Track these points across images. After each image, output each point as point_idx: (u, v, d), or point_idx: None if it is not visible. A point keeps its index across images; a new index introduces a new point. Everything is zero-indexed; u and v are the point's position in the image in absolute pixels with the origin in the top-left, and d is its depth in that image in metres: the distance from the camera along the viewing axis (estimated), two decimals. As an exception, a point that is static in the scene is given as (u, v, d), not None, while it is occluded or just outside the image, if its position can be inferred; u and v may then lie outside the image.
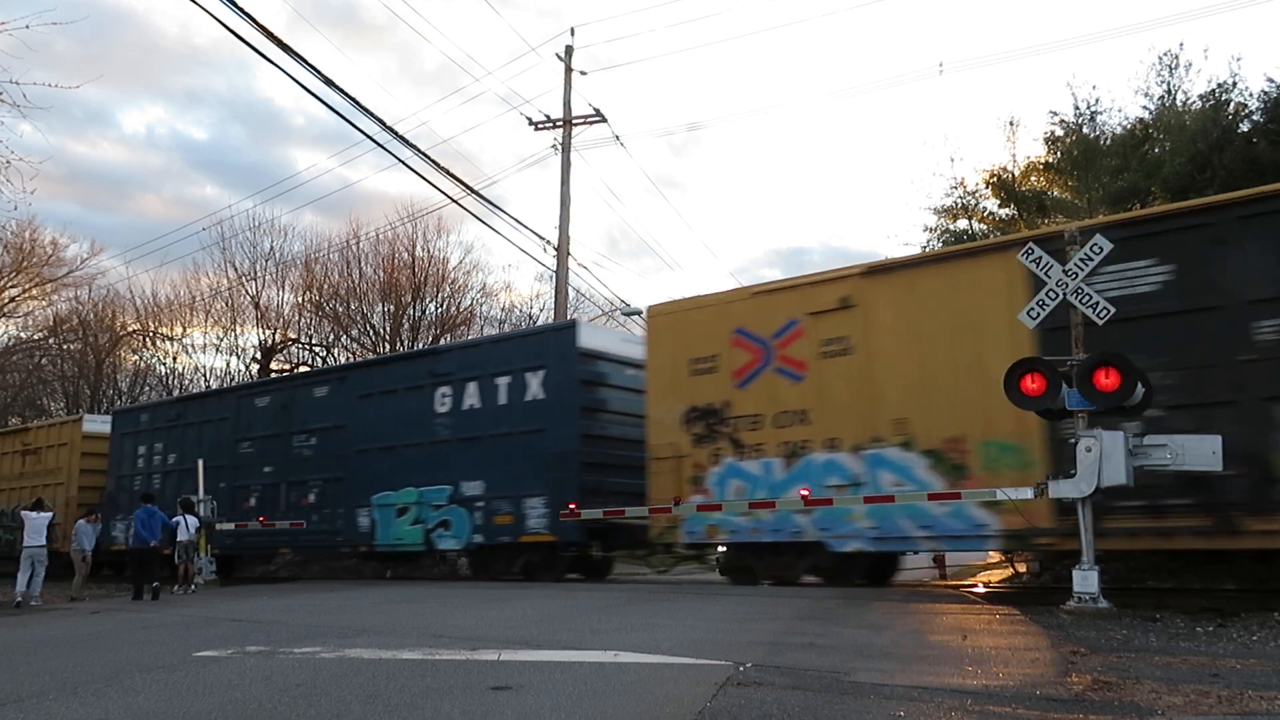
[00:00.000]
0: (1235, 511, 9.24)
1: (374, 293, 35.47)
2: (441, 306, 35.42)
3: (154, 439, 21.75)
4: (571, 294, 24.28)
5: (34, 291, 36.68)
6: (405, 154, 34.69)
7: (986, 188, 21.63)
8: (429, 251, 35.58)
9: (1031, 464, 10.37)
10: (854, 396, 11.69)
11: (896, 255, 12.57)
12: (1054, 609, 8.94)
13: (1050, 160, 20.55)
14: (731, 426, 12.86)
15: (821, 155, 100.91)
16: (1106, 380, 8.72)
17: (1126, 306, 9.50)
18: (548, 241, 22.94)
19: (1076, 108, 19.67)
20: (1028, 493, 9.65)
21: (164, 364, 39.92)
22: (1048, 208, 19.96)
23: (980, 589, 13.83)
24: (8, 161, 13.93)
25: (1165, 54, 18.55)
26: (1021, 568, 16.09)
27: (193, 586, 16.12)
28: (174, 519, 16.38)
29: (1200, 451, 8.61)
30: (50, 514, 16.20)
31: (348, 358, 33.37)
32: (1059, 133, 20.10)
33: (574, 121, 23.13)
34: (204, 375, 38.43)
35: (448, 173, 20.93)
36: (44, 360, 40.04)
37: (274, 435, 19.08)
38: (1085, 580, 8.84)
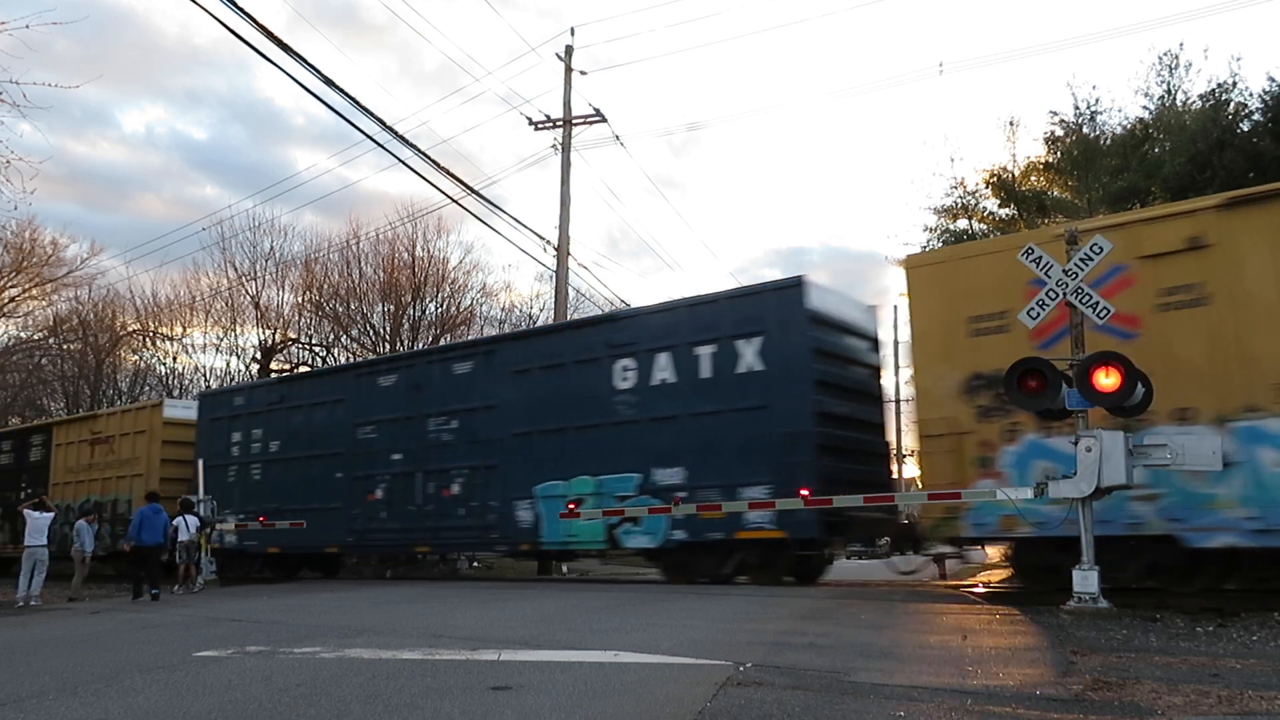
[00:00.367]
0: None
1: (374, 293, 35.50)
2: (441, 306, 35.45)
3: (251, 424, 19.57)
4: (571, 294, 24.28)
5: (34, 291, 36.70)
6: (405, 154, 34.62)
7: (986, 188, 21.64)
8: (429, 251, 35.61)
9: None
10: (1214, 356, 9.63)
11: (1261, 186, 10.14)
12: (1054, 609, 8.94)
13: (1050, 160, 20.56)
14: None
15: (821, 155, 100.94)
16: (1106, 380, 8.72)
17: None
18: (548, 241, 22.96)
19: (1076, 108, 19.69)
20: (1027, 492, 9.64)
21: (164, 364, 39.97)
22: (1048, 208, 19.96)
23: (980, 589, 13.82)
24: (8, 161, 13.92)
25: (1165, 54, 18.56)
26: None
27: (196, 587, 16.10)
28: (174, 519, 16.37)
29: (1200, 451, 8.62)
30: (51, 514, 16.18)
31: (348, 358, 33.35)
32: (1059, 133, 20.11)
33: (574, 121, 23.12)
34: (204, 375, 38.48)
35: (448, 173, 20.94)
36: (44, 360, 40.04)
37: (404, 418, 16.82)
38: (1085, 580, 8.84)
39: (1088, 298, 9.15)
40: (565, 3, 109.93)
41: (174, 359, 39.61)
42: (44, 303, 38.02)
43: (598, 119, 23.17)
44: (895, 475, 17.03)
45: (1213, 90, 17.06)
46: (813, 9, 54.43)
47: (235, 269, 36.60)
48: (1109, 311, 9.05)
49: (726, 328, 13.12)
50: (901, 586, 13.04)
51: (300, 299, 36.32)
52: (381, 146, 25.21)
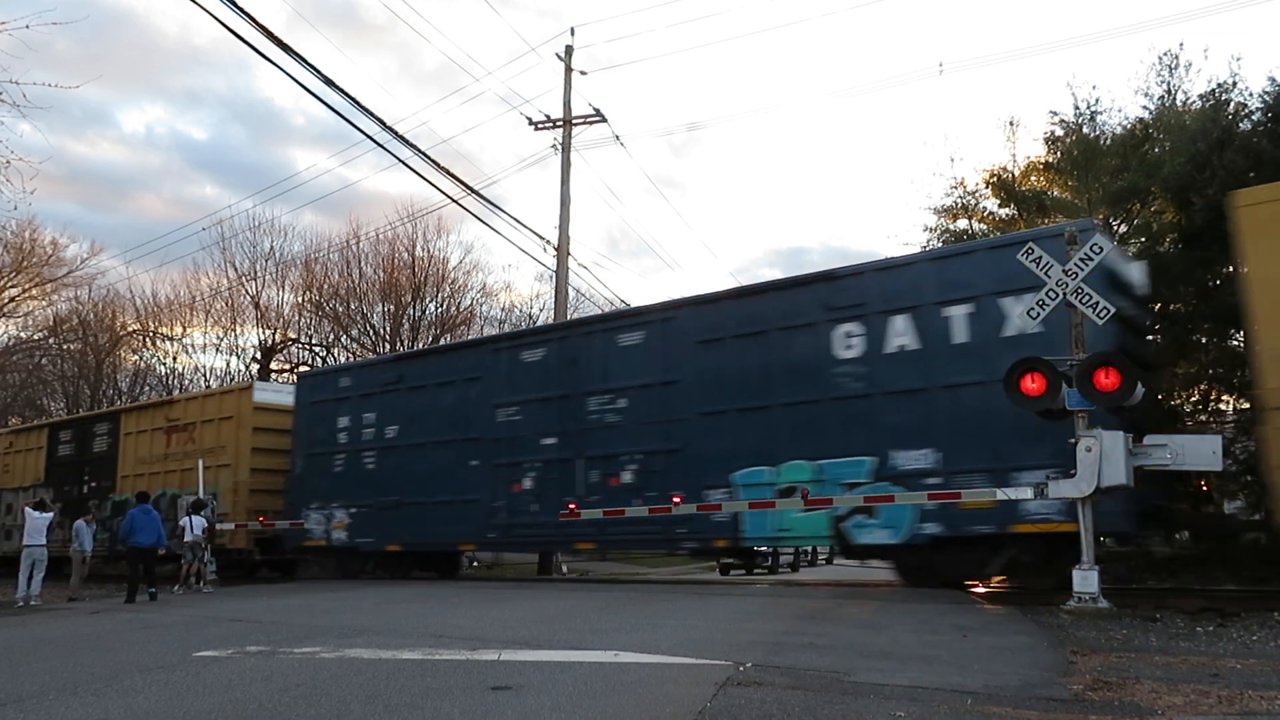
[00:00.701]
0: None
1: (374, 293, 35.51)
2: (441, 306, 35.46)
3: (362, 407, 17.55)
4: (571, 294, 24.29)
5: (34, 291, 36.70)
6: (405, 154, 34.68)
7: (986, 188, 21.62)
8: (429, 251, 35.63)
9: None
10: None
11: None
12: (1054, 609, 8.95)
13: (1050, 160, 20.54)
14: None
15: (821, 155, 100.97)
16: (1106, 380, 8.73)
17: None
18: (548, 241, 22.96)
19: (1076, 108, 19.66)
20: (1027, 492, 9.64)
21: (164, 364, 39.97)
22: (1048, 208, 19.94)
23: (980, 589, 13.82)
24: (8, 161, 13.92)
25: (1165, 54, 18.53)
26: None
27: (203, 587, 16.09)
28: (180, 520, 16.49)
29: (1200, 451, 8.63)
30: (51, 514, 16.17)
31: (348, 357, 33.34)
32: (1059, 133, 20.09)
33: (574, 121, 23.13)
34: (204, 375, 38.48)
35: (448, 173, 20.94)
36: (44, 360, 40.05)
37: (557, 398, 14.88)
38: (1085, 580, 8.85)
39: (1088, 298, 9.16)
40: (565, 3, 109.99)
41: (174, 359, 39.64)
42: (44, 303, 38.07)
43: (598, 119, 23.18)
44: None
45: (1213, 90, 17.04)
46: (813, 9, 54.45)
47: (235, 269, 36.64)
48: (1109, 311, 9.06)
49: (985, 283, 11.16)
50: (901, 586, 13.03)
51: (300, 299, 36.36)
52: (381, 146, 25.24)
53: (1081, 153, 18.89)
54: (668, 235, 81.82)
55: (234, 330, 37.24)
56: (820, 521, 12.04)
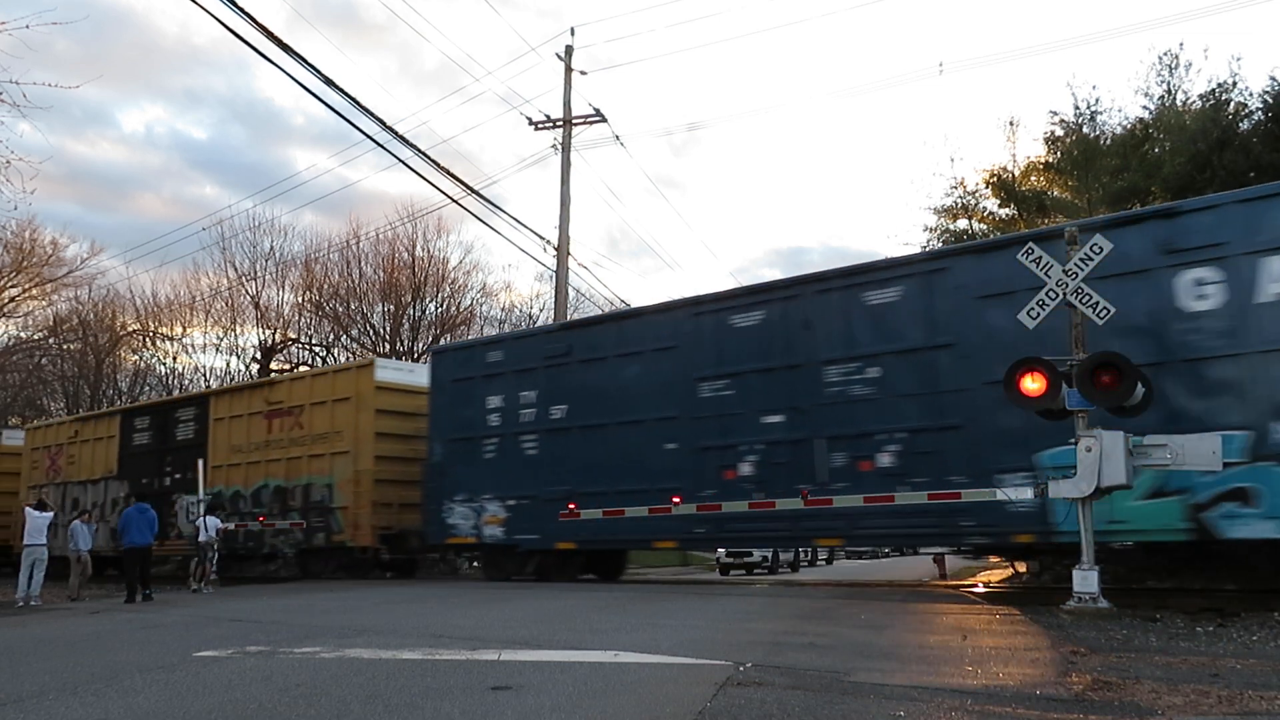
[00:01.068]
0: None
1: (374, 293, 35.54)
2: (441, 306, 35.50)
3: (519, 384, 15.45)
4: (571, 294, 24.29)
5: (34, 291, 36.70)
6: (405, 154, 34.66)
7: (986, 188, 21.65)
8: (429, 251, 35.66)
9: None
10: None
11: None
12: (1054, 609, 8.94)
13: (1050, 160, 20.57)
14: None
15: (821, 155, 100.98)
16: (1106, 380, 8.72)
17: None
18: (548, 241, 22.96)
19: (1076, 108, 19.70)
20: (1027, 492, 9.63)
21: (164, 364, 39.98)
22: (1048, 208, 19.97)
23: (980, 589, 13.82)
24: (8, 161, 13.93)
25: (1165, 54, 18.57)
26: (1021, 568, 16.08)
27: (204, 587, 16.11)
28: (195, 520, 16.72)
29: (1200, 451, 8.62)
30: (51, 514, 16.17)
31: (348, 357, 33.34)
32: (1059, 133, 20.13)
33: (574, 121, 23.13)
34: (204, 375, 38.50)
35: (448, 173, 20.93)
36: (44, 360, 40.04)
37: (783, 368, 12.71)
38: (1085, 580, 8.85)
39: (1087, 298, 9.15)
40: (565, 3, 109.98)
41: (174, 359, 39.67)
42: (44, 303, 38.06)
43: (598, 119, 23.18)
44: None
45: (1213, 90, 17.08)
46: (813, 9, 54.45)
47: (235, 269, 36.67)
48: (1109, 311, 9.05)
49: None
50: (901, 586, 13.04)
51: (300, 299, 36.39)
52: (381, 146, 25.24)
53: (1081, 153, 18.91)
54: (668, 235, 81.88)
55: (234, 330, 37.30)
56: (1171, 511, 9.87)
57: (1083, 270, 9.19)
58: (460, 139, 68.68)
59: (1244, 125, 15.68)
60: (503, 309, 37.94)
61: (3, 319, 37.14)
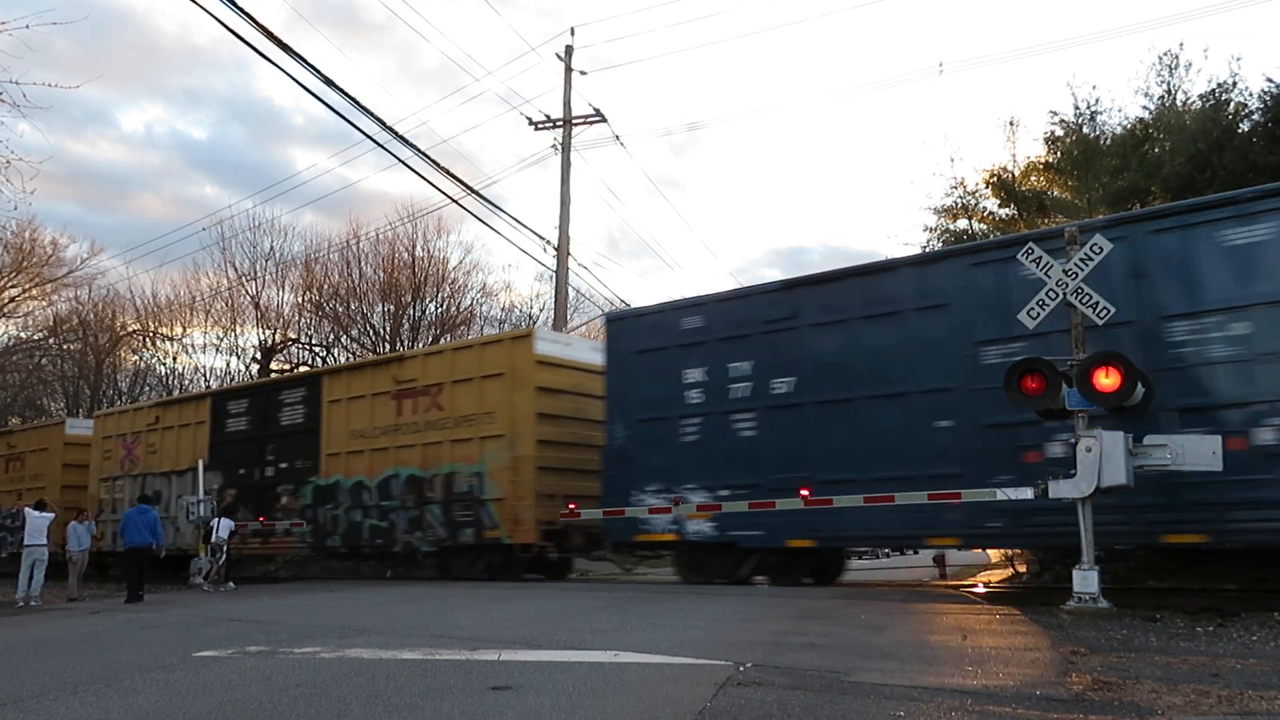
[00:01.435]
0: None
1: (374, 293, 35.55)
2: (441, 306, 35.50)
3: (729, 354, 13.08)
4: (571, 294, 24.30)
5: (34, 291, 36.69)
6: (405, 154, 34.66)
7: (986, 188, 21.65)
8: (429, 251, 35.66)
9: None
10: None
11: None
12: (1054, 609, 8.95)
13: (1050, 160, 20.57)
14: None
15: (821, 155, 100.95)
16: (1106, 380, 8.72)
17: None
18: (548, 241, 22.95)
19: (1076, 108, 19.70)
20: (1028, 492, 9.64)
21: (164, 364, 40.00)
22: (1048, 208, 19.97)
23: (980, 589, 13.82)
24: (8, 161, 13.93)
25: (1165, 54, 18.57)
26: (1021, 568, 16.08)
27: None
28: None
29: (1200, 451, 8.62)
30: (52, 515, 16.18)
31: (348, 357, 33.35)
32: (1059, 133, 20.12)
33: (574, 121, 23.13)
34: (204, 375, 38.51)
35: (448, 173, 20.93)
36: (44, 360, 40.05)
37: (1099, 326, 9.69)
38: (1085, 580, 8.85)
39: (1088, 297, 9.15)
40: (565, 3, 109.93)
41: (174, 359, 39.68)
42: (44, 303, 38.06)
43: (598, 119, 23.19)
44: None
45: (1213, 90, 17.09)
46: (813, 9, 54.47)
47: (235, 269, 36.68)
48: (1109, 311, 9.05)
49: None
50: (901, 586, 13.03)
51: (300, 299, 36.41)
52: (381, 146, 25.24)
53: (1081, 153, 18.91)
54: (668, 235, 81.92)
55: (234, 330, 37.31)
56: None
57: (1083, 270, 9.20)
58: (460, 139, 68.71)
59: (1244, 125, 15.69)
60: (503, 309, 37.98)
61: (3, 319, 37.17)
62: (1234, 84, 16.78)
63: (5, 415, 38.59)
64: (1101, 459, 8.69)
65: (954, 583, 16.63)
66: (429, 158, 20.27)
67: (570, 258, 22.64)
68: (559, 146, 23.14)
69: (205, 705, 5.15)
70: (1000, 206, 21.62)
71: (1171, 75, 18.44)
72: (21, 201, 16.70)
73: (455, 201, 24.15)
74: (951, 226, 22.12)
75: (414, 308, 34.83)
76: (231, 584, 16.19)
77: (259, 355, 34.95)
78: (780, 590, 12.05)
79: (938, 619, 8.64)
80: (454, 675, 5.79)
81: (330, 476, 17.60)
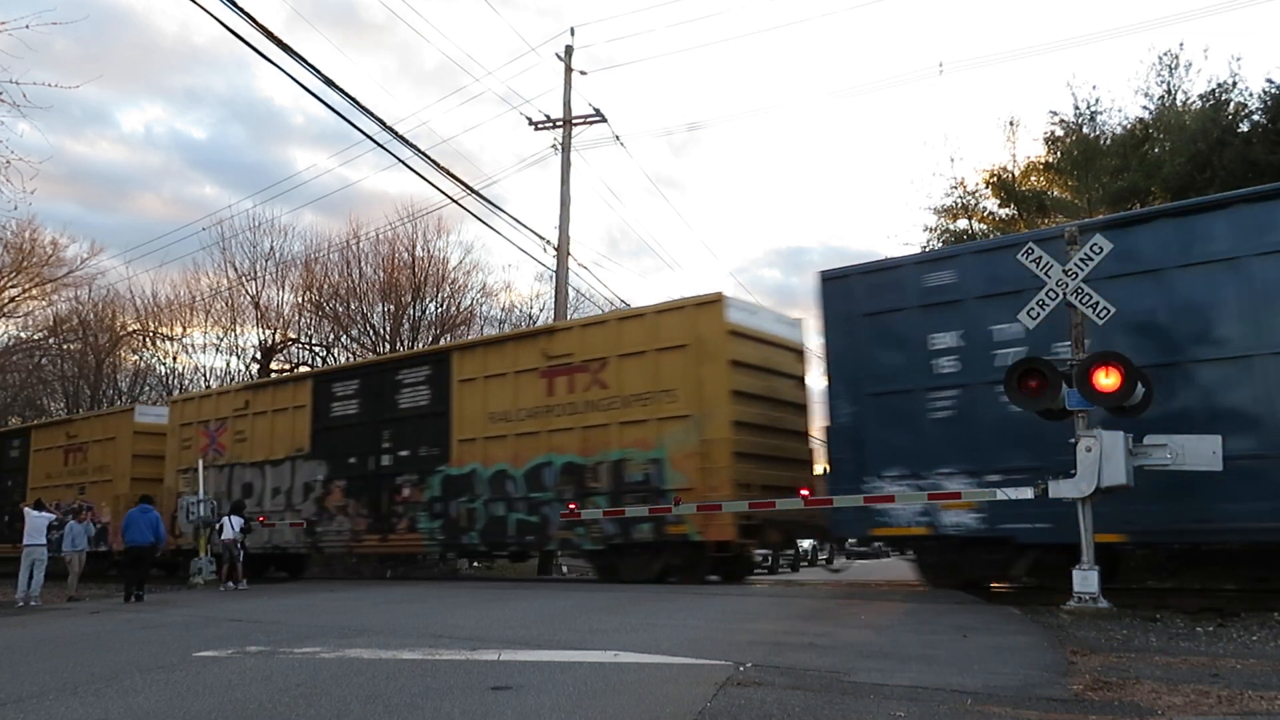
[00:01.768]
0: None
1: (374, 293, 35.52)
2: (441, 306, 35.46)
3: (990, 314, 11.04)
4: (571, 294, 24.28)
5: (34, 291, 36.65)
6: (405, 154, 34.68)
7: (986, 188, 21.66)
8: (429, 251, 35.62)
9: None
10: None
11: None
12: (1054, 609, 8.95)
13: (1050, 160, 20.58)
14: None
15: (821, 155, 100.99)
16: (1106, 380, 8.72)
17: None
18: (548, 241, 22.94)
19: (1076, 108, 19.71)
20: (1028, 493, 9.64)
21: (164, 364, 39.98)
22: (1048, 208, 19.98)
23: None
24: (8, 161, 13.93)
25: (1165, 54, 18.59)
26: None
27: (241, 585, 16.26)
28: (220, 519, 16.88)
29: (1200, 451, 8.62)
30: (52, 515, 16.17)
31: (348, 358, 33.36)
32: (1059, 133, 20.14)
33: (574, 121, 23.12)
34: (204, 375, 38.50)
35: (448, 173, 20.93)
36: (44, 360, 40.03)
37: None
38: (1085, 580, 8.85)
39: (1088, 298, 9.16)
40: (565, 3, 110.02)
41: (174, 359, 39.66)
42: (44, 303, 38.03)
43: (598, 119, 23.18)
44: None
45: (1213, 90, 17.10)
46: (813, 9, 54.47)
47: (235, 269, 36.65)
48: (1109, 311, 9.05)
49: None
50: (902, 586, 13.01)
51: (300, 299, 36.38)
52: (381, 146, 25.25)
53: (1081, 153, 18.93)
54: (668, 235, 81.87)
55: (234, 330, 37.28)
56: None
57: (1083, 270, 9.20)
58: (460, 139, 68.68)
59: (1244, 125, 15.70)
60: (503, 309, 37.96)
61: (3, 319, 37.14)
62: (1234, 84, 16.81)
63: (5, 415, 38.58)
64: (1101, 459, 8.70)
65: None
66: (429, 158, 20.27)
67: (570, 258, 22.64)
68: (559, 146, 23.13)
69: (205, 705, 5.15)
70: (1000, 206, 21.64)
71: (1171, 75, 18.46)
72: (21, 201, 16.73)
73: (455, 201, 24.17)
74: (951, 226, 22.15)
75: (414, 308, 34.81)
76: (244, 583, 16.33)
77: (259, 355, 34.95)
78: (780, 590, 12.03)
79: (938, 619, 8.63)
80: (454, 675, 5.79)
81: (464, 465, 15.71)
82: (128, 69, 77.34)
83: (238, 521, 16.66)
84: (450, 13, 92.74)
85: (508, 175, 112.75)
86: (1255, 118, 15.60)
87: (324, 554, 19.17)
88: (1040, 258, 9.45)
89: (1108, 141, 18.90)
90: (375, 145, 37.95)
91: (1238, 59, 33.67)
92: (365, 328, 35.45)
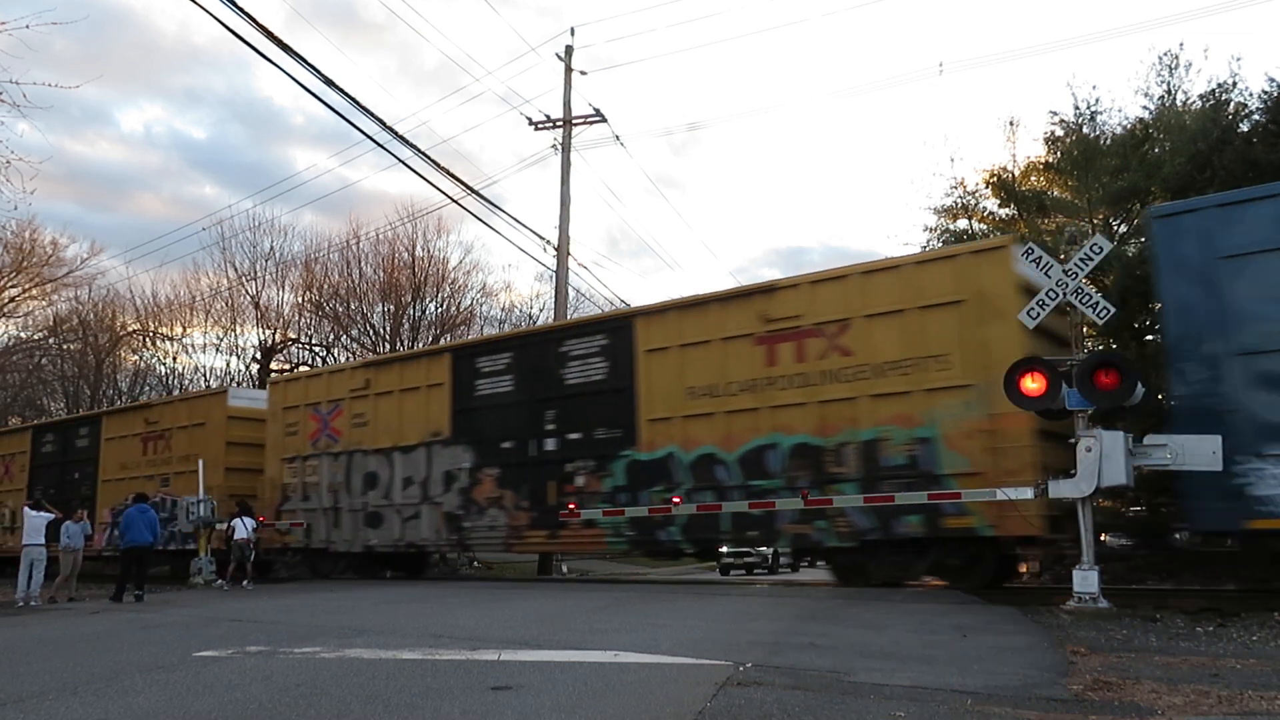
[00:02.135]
0: None
1: (374, 293, 35.56)
2: (441, 306, 35.50)
3: None
4: (571, 294, 24.29)
5: (34, 291, 36.70)
6: (405, 154, 34.76)
7: (986, 188, 21.62)
8: (429, 251, 35.66)
9: None
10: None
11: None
12: (1054, 609, 8.95)
13: (1050, 160, 20.55)
14: None
15: (821, 155, 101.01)
16: (1106, 380, 8.72)
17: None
18: (548, 241, 22.96)
19: (1076, 108, 19.67)
20: (1028, 493, 9.63)
21: (164, 364, 39.98)
22: (1048, 208, 19.96)
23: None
24: (8, 162, 13.92)
25: (1165, 54, 18.56)
26: (1022, 568, 16.06)
27: (247, 584, 16.40)
28: (231, 519, 17.04)
29: (1200, 451, 8.62)
30: (51, 515, 16.15)
31: (348, 358, 33.35)
32: (1059, 133, 20.10)
33: (574, 121, 23.13)
34: (204, 375, 38.50)
35: (448, 173, 20.94)
36: (44, 360, 40.05)
37: None
38: (1085, 580, 8.85)
39: (1088, 298, 9.16)
40: (565, 2, 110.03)
41: (174, 359, 39.66)
42: (44, 303, 38.08)
43: (598, 119, 23.19)
44: None
45: (1213, 90, 17.08)
46: (813, 9, 54.48)
47: (235, 269, 36.69)
48: (1109, 311, 9.06)
49: None
50: (901, 586, 13.02)
51: (300, 299, 36.42)
52: (381, 146, 25.28)
53: (1081, 153, 18.90)
54: (668, 235, 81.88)
55: (234, 330, 37.32)
56: None
57: (1083, 270, 9.20)
58: (460, 139, 68.74)
59: (1244, 125, 15.70)
60: (503, 309, 38.01)
61: (3, 319, 37.18)
62: (1234, 84, 16.78)
63: (5, 415, 38.58)
64: (1101, 459, 8.70)
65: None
66: (429, 158, 20.30)
67: (570, 257, 22.65)
68: (559, 146, 23.14)
69: (205, 705, 5.15)
70: (1000, 206, 21.61)
71: (1171, 75, 18.43)
72: (21, 201, 16.75)
73: (455, 201, 24.19)
74: (951, 226, 22.11)
75: (414, 308, 34.83)
76: (249, 583, 16.47)
77: (259, 355, 34.96)
78: (780, 590, 12.03)
79: (938, 619, 8.63)
80: (454, 675, 5.79)
81: (656, 449, 13.50)
82: (127, 69, 77.40)
83: (250, 522, 16.89)
84: (450, 12, 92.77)
85: (508, 175, 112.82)
86: (1255, 117, 15.59)
87: (470, 551, 17.40)
88: (1040, 258, 9.45)
89: (1108, 141, 18.88)
90: (375, 145, 37.99)
91: (1238, 59, 33.67)
92: (365, 328, 35.49)
